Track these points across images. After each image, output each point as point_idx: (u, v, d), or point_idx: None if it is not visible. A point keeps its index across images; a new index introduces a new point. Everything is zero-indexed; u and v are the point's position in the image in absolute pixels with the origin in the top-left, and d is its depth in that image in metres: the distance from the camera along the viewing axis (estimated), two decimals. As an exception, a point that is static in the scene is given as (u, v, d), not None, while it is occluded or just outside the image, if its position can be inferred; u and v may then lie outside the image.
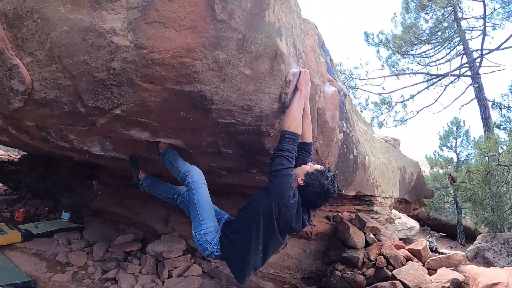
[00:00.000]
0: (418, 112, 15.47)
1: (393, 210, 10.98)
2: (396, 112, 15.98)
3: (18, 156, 12.90)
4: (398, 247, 4.59)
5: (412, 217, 12.26)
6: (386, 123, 16.00)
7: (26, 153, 11.85)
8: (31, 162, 11.25)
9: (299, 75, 2.51)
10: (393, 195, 6.88)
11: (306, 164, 2.63)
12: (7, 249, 5.52)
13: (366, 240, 4.77)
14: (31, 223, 7.08)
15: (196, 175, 2.82)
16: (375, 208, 5.82)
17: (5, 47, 1.83)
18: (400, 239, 9.78)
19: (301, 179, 2.45)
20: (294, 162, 2.45)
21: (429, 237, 11.49)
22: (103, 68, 1.85)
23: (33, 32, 1.74)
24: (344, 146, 3.84)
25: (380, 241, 4.79)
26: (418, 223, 11.24)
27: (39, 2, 1.66)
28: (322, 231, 5.28)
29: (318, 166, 2.54)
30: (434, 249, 9.59)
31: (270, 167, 2.40)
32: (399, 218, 11.00)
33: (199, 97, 2.15)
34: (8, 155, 13.05)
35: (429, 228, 12.92)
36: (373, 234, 4.87)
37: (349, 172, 4.12)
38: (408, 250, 4.55)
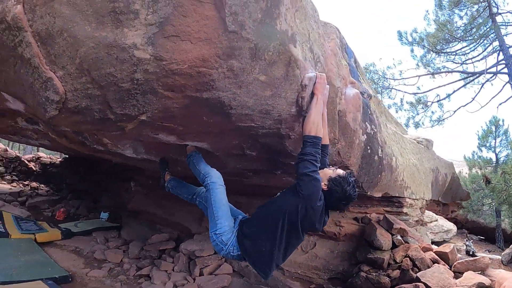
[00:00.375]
0: (454, 111, 14.98)
1: (430, 212, 10.75)
2: (432, 112, 15.59)
3: (60, 159, 13.52)
4: (426, 250, 4.54)
5: (450, 219, 11.94)
6: (423, 123, 15.62)
7: (67, 156, 12.43)
8: (72, 164, 11.80)
9: (315, 79, 2.59)
10: (425, 197, 6.77)
11: (326, 167, 2.70)
12: (48, 246, 5.87)
13: (393, 241, 4.75)
14: (71, 222, 7.49)
15: (215, 177, 2.94)
16: (405, 209, 5.76)
17: (40, 62, 2.05)
18: (436, 242, 9.62)
19: (325, 184, 2.49)
20: (319, 165, 2.50)
21: (466, 240, 11.18)
22: (128, 79, 2.01)
23: (64, 48, 1.94)
24: (368, 147, 3.86)
25: (408, 243, 4.74)
26: (455, 226, 10.95)
27: (67, 22, 1.85)
28: (350, 232, 5.31)
29: (340, 172, 2.57)
30: (471, 253, 9.31)
31: (296, 171, 2.47)
32: (436, 220, 10.75)
33: (217, 103, 2.29)
34: (50, 157, 13.72)
35: (466, 231, 12.51)
36: (401, 236, 4.83)
37: (374, 173, 4.13)
38: (436, 252, 4.49)
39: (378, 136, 4.16)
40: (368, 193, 4.42)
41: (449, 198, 10.53)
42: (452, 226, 10.71)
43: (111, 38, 1.85)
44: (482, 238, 12.86)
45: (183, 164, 3.89)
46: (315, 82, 2.59)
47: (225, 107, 2.33)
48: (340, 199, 2.47)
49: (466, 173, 13.80)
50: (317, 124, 2.53)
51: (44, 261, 5.12)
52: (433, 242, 9.71)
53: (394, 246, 4.74)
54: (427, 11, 14.44)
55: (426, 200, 7.12)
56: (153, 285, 4.98)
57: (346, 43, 4.07)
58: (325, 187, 2.48)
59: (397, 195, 5.32)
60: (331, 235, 5.36)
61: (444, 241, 10.40)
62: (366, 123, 3.82)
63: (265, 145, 3.13)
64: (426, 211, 10.62)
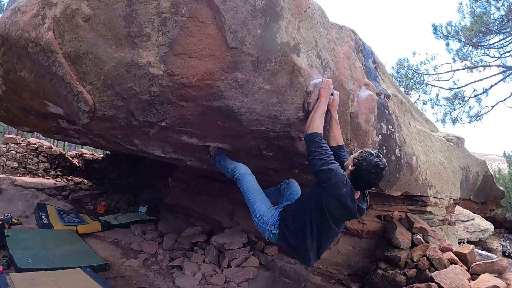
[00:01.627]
0: (493, 106, 14.43)
1: (466, 211, 10.55)
2: (470, 107, 15.09)
3: (102, 155, 14.17)
4: (445, 250, 4.56)
5: (488, 218, 11.65)
6: (460, 118, 15.14)
7: (108, 153, 13.04)
8: (114, 160, 12.39)
9: (321, 84, 2.75)
10: (452, 196, 6.69)
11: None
12: (88, 237, 6.30)
13: (412, 240, 4.80)
14: (111, 215, 7.92)
15: (242, 169, 3.24)
16: (429, 208, 5.75)
17: (71, 78, 2.37)
18: (472, 242, 9.46)
19: (351, 165, 2.54)
20: (329, 152, 2.58)
21: (503, 240, 10.90)
22: (146, 92, 2.29)
23: (90, 67, 2.24)
24: (384, 147, 3.94)
25: (428, 242, 4.77)
26: (492, 225, 10.69)
27: (91, 46, 2.15)
28: (373, 230, 5.40)
29: (362, 149, 2.64)
30: (507, 254, 9.07)
31: (312, 170, 2.61)
32: (472, 219, 10.54)
33: (228, 110, 2.52)
34: (92, 154, 14.39)
35: (503, 231, 12.13)
36: (422, 235, 4.87)
37: (391, 173, 4.21)
38: (454, 253, 4.50)
39: (396, 135, 4.22)
40: (386, 192, 4.49)
41: (482, 197, 10.24)
42: (489, 226, 10.45)
43: (128, 58, 2.12)
44: (521, 238, 12.45)
45: (208, 162, 4.16)
46: (320, 88, 2.76)
47: (235, 113, 2.56)
48: (370, 171, 2.45)
49: (505, 170, 13.29)
50: (314, 121, 2.66)
51: (84, 250, 5.53)
52: (468, 242, 9.58)
53: (414, 245, 4.79)
54: (460, 4, 13.88)
55: (453, 199, 7.03)
56: (183, 275, 5.28)
57: (363, 44, 4.14)
58: (352, 168, 2.53)
59: (419, 194, 5.33)
60: (354, 232, 5.48)
61: (480, 241, 10.19)
62: (382, 123, 3.90)
63: (279, 146, 3.33)
64: (463, 209, 10.45)
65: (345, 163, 2.67)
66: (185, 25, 2.05)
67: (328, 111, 2.87)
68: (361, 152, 2.57)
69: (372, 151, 2.53)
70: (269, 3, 2.24)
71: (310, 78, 2.67)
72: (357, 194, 2.58)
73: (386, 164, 2.55)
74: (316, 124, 2.66)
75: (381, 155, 2.54)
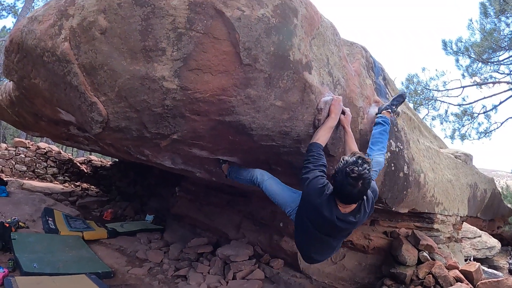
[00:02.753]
0: (502, 123, 14.35)
1: (474, 228, 10.45)
2: (479, 124, 14.99)
3: (110, 162, 14.25)
4: (451, 267, 4.53)
5: (495, 235, 11.52)
6: (469, 135, 15.05)
7: (117, 160, 13.12)
8: (122, 168, 12.44)
9: (331, 102, 2.77)
10: (459, 213, 6.65)
11: None
12: (94, 244, 6.32)
13: (418, 257, 4.78)
14: (117, 223, 7.95)
15: (260, 175, 3.26)
16: (435, 226, 5.72)
17: (85, 89, 2.41)
18: (478, 259, 9.36)
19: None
20: (320, 162, 2.54)
21: (510, 258, 10.77)
22: (159, 105, 2.31)
23: (105, 79, 2.27)
24: (392, 164, 3.94)
25: (434, 259, 4.75)
26: (499, 243, 10.56)
27: (107, 58, 2.18)
28: (379, 246, 5.36)
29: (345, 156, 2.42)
30: (513, 271, 8.93)
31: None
32: (480, 236, 10.43)
33: (239, 125, 2.54)
34: (101, 161, 14.49)
35: (510, 248, 11.99)
36: (428, 253, 4.85)
37: (399, 190, 4.20)
38: (461, 271, 4.47)
39: (404, 153, 4.22)
40: (393, 208, 4.48)
41: (490, 214, 10.17)
42: (496, 243, 10.33)
43: (143, 71, 2.15)
44: (529, 256, 12.29)
45: (217, 174, 4.19)
46: (330, 105, 2.78)
47: (246, 128, 2.57)
48: (343, 182, 2.23)
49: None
50: (316, 133, 2.73)
51: (89, 257, 5.55)
52: (475, 259, 9.47)
53: (420, 262, 4.77)
54: (470, 20, 13.89)
55: (460, 217, 6.98)
56: (188, 286, 5.27)
57: (373, 61, 4.17)
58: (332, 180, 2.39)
59: (426, 211, 5.31)
60: (360, 247, 5.44)
61: (486, 258, 10.07)
62: (391, 140, 3.90)
63: (288, 162, 3.35)
64: (470, 226, 10.35)
65: None
66: (199, 41, 2.08)
67: (341, 126, 2.95)
68: (341, 159, 2.37)
69: (349, 159, 2.29)
70: (283, 21, 2.27)
71: (321, 95, 2.69)
72: (348, 207, 2.41)
73: (363, 171, 2.21)
74: (319, 136, 2.70)
75: (359, 161, 2.24)
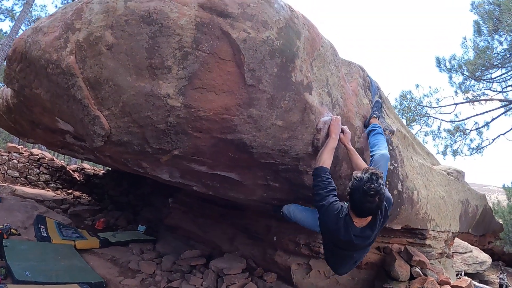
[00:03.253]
0: (494, 139, 14.56)
1: (465, 243, 10.57)
2: (471, 140, 15.21)
3: (103, 171, 14.13)
4: (443, 283, 4.58)
5: (486, 251, 11.64)
6: (461, 151, 15.27)
7: (110, 169, 13.03)
8: (115, 177, 12.34)
9: (330, 122, 2.83)
10: (451, 229, 6.72)
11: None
12: (86, 253, 6.24)
13: (411, 273, 4.82)
14: (110, 232, 7.82)
15: (286, 210, 3.61)
16: (428, 241, 5.78)
17: (89, 102, 2.44)
18: (469, 274, 9.43)
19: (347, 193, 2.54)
20: (330, 187, 2.62)
21: (500, 273, 10.88)
22: (163, 121, 2.36)
23: (109, 94, 2.31)
24: (387, 182, 4.00)
25: (426, 275, 4.80)
26: (490, 258, 10.69)
27: (112, 73, 2.23)
28: (372, 261, 5.39)
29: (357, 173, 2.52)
30: (504, 286, 9.04)
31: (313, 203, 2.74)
32: (470, 251, 10.54)
33: (240, 143, 2.59)
34: (94, 169, 14.34)
35: (501, 263, 12.10)
36: (420, 268, 4.89)
37: (393, 207, 4.27)
38: (452, 286, 4.53)
39: (398, 170, 4.29)
40: (387, 225, 4.53)
41: (481, 230, 10.29)
42: (486, 258, 10.45)
43: (148, 88, 2.20)
44: (520, 271, 12.41)
45: (213, 188, 4.22)
46: (329, 125, 2.84)
47: (247, 146, 2.62)
48: (362, 199, 2.35)
49: (504, 202, 13.34)
50: (320, 157, 2.77)
51: (81, 266, 5.49)
52: (466, 274, 9.56)
53: (412, 277, 4.81)
54: (464, 38, 14.15)
55: (452, 233, 7.06)
56: (180, 298, 5.24)
57: (370, 80, 4.25)
58: (348, 197, 2.52)
59: (419, 227, 5.37)
60: (353, 262, 5.48)
61: (477, 273, 10.17)
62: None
63: (286, 179, 3.39)
64: (461, 241, 10.46)
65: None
66: (205, 60, 2.14)
67: (343, 145, 3.04)
68: (354, 177, 2.46)
69: (363, 176, 2.39)
70: (286, 43, 2.33)
71: (320, 115, 2.75)
72: (364, 220, 2.53)
73: (380, 187, 2.35)
74: (323, 159, 2.74)
75: (374, 178, 2.36)
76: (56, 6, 19.38)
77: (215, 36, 2.14)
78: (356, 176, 2.43)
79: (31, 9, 17.19)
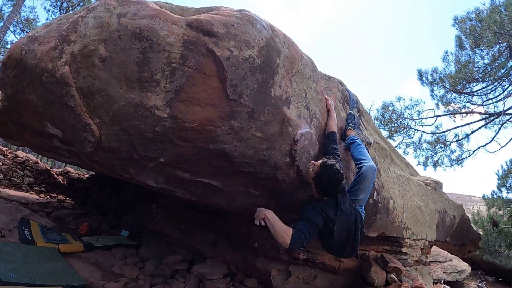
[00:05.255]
0: (474, 151, 14.96)
1: (445, 252, 10.81)
2: (451, 151, 15.62)
3: (87, 175, 14.08)
4: (417, 289, 4.80)
5: (466, 260, 11.88)
6: (442, 162, 15.62)
7: (94, 173, 13.01)
8: (99, 181, 12.32)
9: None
10: (428, 238, 6.96)
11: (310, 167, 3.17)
12: (70, 257, 6.26)
13: (386, 279, 5.02)
14: (93, 236, 7.82)
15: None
16: (404, 249, 6.00)
17: (81, 110, 2.61)
18: (449, 282, 9.69)
19: (313, 185, 3.04)
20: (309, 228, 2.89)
21: (480, 281, 11.18)
22: (150, 131, 2.54)
23: (101, 103, 2.49)
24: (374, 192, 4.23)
25: (401, 281, 5.00)
26: (469, 267, 10.91)
27: (104, 84, 2.42)
28: (349, 267, 5.58)
29: (316, 167, 2.98)
30: (483, 294, 9.29)
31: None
32: (450, 260, 10.79)
33: (222, 153, 2.78)
34: (78, 173, 14.28)
35: (480, 272, 12.41)
36: (396, 275, 5.09)
37: (368, 215, 4.45)
38: (426, 293, 4.75)
39: (375, 180, 4.51)
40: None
41: (459, 239, 10.57)
42: (466, 267, 10.68)
43: (137, 99, 2.38)
44: (499, 280, 12.72)
45: (197, 195, 4.37)
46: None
47: (229, 156, 2.81)
48: (331, 180, 2.91)
49: (484, 214, 13.67)
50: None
51: (65, 269, 5.52)
52: (445, 282, 9.81)
53: (388, 283, 5.00)
54: (446, 52, 14.60)
55: (429, 241, 7.30)
56: (162, 302, 5.33)
57: (349, 94, 4.48)
58: (315, 188, 3.05)
59: (395, 235, 5.58)
60: (331, 269, 5.64)
61: (457, 281, 10.42)
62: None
63: (266, 186, 3.57)
64: (441, 250, 10.72)
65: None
66: (191, 75, 2.33)
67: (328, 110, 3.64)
68: (318, 166, 2.96)
69: (328, 162, 2.94)
70: (267, 61, 2.54)
71: (298, 128, 2.95)
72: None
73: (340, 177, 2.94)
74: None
75: (337, 170, 2.92)
76: (45, 8, 19.42)
77: (201, 53, 2.34)
78: (320, 165, 2.95)
79: (20, 10, 17.15)
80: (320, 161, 2.97)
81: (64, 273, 5.36)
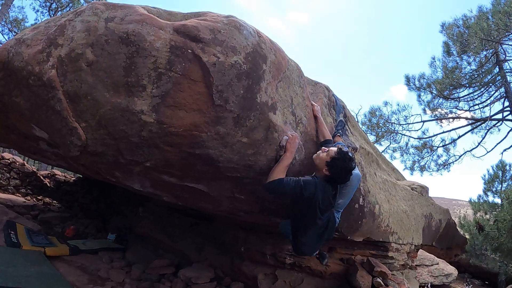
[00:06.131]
0: (460, 156, 15.20)
1: (431, 256, 10.94)
2: (438, 156, 15.83)
3: (74, 178, 13.98)
4: (402, 293, 4.86)
5: (452, 263, 12.04)
6: (428, 166, 15.82)
7: (80, 176, 12.92)
8: (86, 184, 12.25)
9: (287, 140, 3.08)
10: (414, 242, 7.05)
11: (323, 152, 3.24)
12: (56, 260, 6.22)
13: (372, 283, 5.07)
14: (79, 240, 7.77)
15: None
16: (390, 253, 6.07)
17: (68, 114, 2.61)
18: (436, 286, 9.80)
19: (326, 169, 3.10)
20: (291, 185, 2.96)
21: (466, 284, 11.32)
22: (136, 135, 2.55)
23: (88, 107, 2.50)
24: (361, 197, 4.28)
25: (387, 285, 5.06)
26: (456, 270, 11.06)
27: (91, 88, 2.43)
28: (336, 272, 5.62)
29: (332, 152, 3.12)
30: (470, 298, 9.43)
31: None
32: (437, 264, 10.93)
33: (208, 158, 2.80)
34: (64, 176, 14.17)
35: (466, 275, 12.58)
36: (381, 278, 5.15)
37: (354, 220, 4.52)
38: (410, 296, 4.81)
39: (360, 185, 4.54)
40: (348, 237, 4.78)
41: (445, 243, 10.69)
42: (452, 270, 10.83)
43: (124, 104, 2.39)
44: (485, 283, 12.89)
45: (183, 199, 4.39)
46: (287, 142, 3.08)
47: (214, 161, 2.84)
48: (343, 171, 3.12)
49: (470, 217, 13.85)
50: (272, 174, 3.00)
51: (51, 273, 5.48)
52: (432, 285, 9.93)
53: (374, 287, 5.05)
54: (433, 58, 14.86)
55: (415, 245, 7.38)
56: (149, 306, 5.32)
57: (335, 99, 4.52)
58: (327, 173, 3.11)
59: (381, 240, 5.65)
60: (318, 273, 5.68)
61: (443, 285, 10.55)
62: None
63: (251, 191, 3.61)
64: (428, 254, 10.85)
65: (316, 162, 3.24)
66: (177, 81, 2.35)
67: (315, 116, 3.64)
68: (332, 157, 3.10)
69: (343, 155, 3.13)
70: (253, 67, 2.57)
71: (283, 133, 2.98)
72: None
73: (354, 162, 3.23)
74: (274, 175, 3.00)
75: (350, 157, 3.19)
76: (34, 8, 19.24)
77: (188, 59, 2.36)
78: (337, 152, 3.10)
79: (9, 10, 16.99)
80: (335, 148, 3.15)
81: (50, 276, 5.32)
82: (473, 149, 15.02)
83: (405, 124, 16.09)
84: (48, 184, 12.72)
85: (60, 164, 7.00)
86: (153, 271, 6.47)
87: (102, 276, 6.13)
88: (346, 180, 3.21)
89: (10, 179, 11.37)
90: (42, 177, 12.64)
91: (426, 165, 15.89)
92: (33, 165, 17.04)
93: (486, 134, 14.76)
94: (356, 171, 3.55)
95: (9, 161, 11.57)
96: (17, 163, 11.75)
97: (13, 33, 18.26)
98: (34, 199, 11.32)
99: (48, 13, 18.87)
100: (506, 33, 11.94)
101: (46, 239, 7.00)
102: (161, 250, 7.55)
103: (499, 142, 14.79)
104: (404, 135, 16.31)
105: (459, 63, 14.37)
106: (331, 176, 3.12)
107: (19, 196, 11.04)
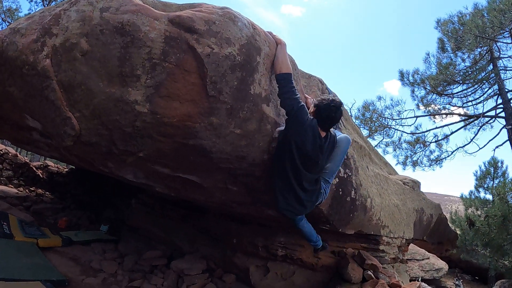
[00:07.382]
0: (452, 152, 15.29)
1: (422, 250, 11.09)
2: (430, 152, 15.89)
3: (66, 169, 13.93)
4: (394, 286, 4.91)
5: (443, 258, 12.20)
6: (421, 161, 15.89)
7: (73, 167, 12.88)
8: (78, 176, 12.22)
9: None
10: (405, 236, 7.12)
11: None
12: (48, 251, 6.23)
13: (363, 276, 5.13)
14: (72, 231, 7.78)
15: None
16: (381, 247, 6.14)
17: (61, 104, 2.62)
18: (426, 280, 9.92)
19: (313, 109, 3.06)
20: (298, 94, 2.92)
21: (456, 279, 11.48)
22: (130, 125, 2.56)
23: (81, 97, 2.50)
24: (340, 189, 4.30)
25: (378, 278, 5.12)
26: (447, 265, 11.19)
27: (85, 78, 2.43)
28: (327, 264, 5.68)
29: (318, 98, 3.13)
30: (460, 292, 9.57)
31: (284, 108, 2.97)
32: (428, 258, 11.06)
33: (201, 149, 2.82)
34: (57, 167, 14.12)
35: (456, 270, 12.75)
36: (372, 271, 5.21)
37: (345, 212, 4.56)
38: (402, 289, 4.88)
39: (353, 179, 4.59)
40: (340, 230, 4.83)
41: (436, 238, 10.81)
42: (443, 265, 10.97)
43: (118, 94, 2.40)
44: (476, 278, 13.04)
45: (176, 190, 4.41)
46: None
47: (207, 152, 2.86)
48: (327, 108, 3.00)
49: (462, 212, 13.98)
50: (285, 62, 2.93)
51: (43, 264, 5.49)
52: (423, 280, 10.05)
53: (365, 280, 5.12)
54: (427, 54, 14.91)
55: (406, 239, 7.46)
56: (142, 297, 5.35)
57: (329, 93, 4.54)
58: (314, 109, 3.05)
59: (372, 233, 5.71)
60: (309, 265, 5.74)
61: (434, 279, 10.69)
62: (340, 167, 4.26)
63: (244, 183, 3.64)
64: (419, 249, 10.99)
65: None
66: (171, 71, 2.36)
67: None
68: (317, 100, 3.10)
69: (326, 97, 3.11)
70: (247, 59, 2.59)
71: (277, 125, 3.02)
72: (323, 134, 3.08)
73: (339, 103, 3.09)
74: (288, 64, 2.94)
75: (336, 98, 3.13)
76: (28, -1, 19.02)
77: (182, 49, 2.37)
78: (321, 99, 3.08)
79: (1, 5, 16.82)
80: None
81: (42, 268, 5.33)
82: (465, 145, 15.09)
83: (399, 119, 16.14)
84: (41, 175, 12.68)
85: (53, 155, 6.97)
86: (146, 263, 6.50)
87: (94, 267, 6.15)
88: (334, 120, 3.07)
89: (2, 170, 11.32)
90: (34, 168, 12.59)
91: (419, 160, 15.96)
92: (26, 156, 16.98)
93: (478, 130, 14.83)
94: (345, 134, 3.56)
95: (1, 152, 11.52)
96: (10, 154, 11.69)
97: (7, 23, 18.04)
98: (27, 190, 11.28)
99: (42, 2, 18.67)
100: (501, 31, 12.02)
101: (38, 230, 7.00)
102: (154, 241, 7.57)
103: (491, 139, 14.86)
104: (397, 130, 16.37)
105: (454, 60, 14.44)
106: (319, 113, 3.01)
107: (11, 187, 10.99)
